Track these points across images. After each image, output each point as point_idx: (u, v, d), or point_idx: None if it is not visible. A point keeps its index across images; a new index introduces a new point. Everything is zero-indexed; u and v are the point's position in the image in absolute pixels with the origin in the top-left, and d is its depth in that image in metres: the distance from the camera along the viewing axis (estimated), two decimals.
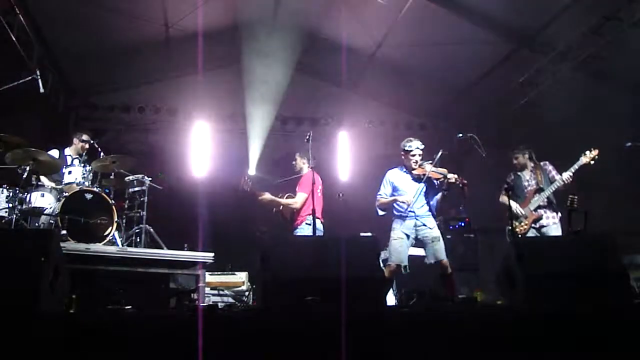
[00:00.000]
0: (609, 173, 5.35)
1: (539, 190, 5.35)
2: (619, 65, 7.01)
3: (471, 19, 7.03)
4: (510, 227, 5.41)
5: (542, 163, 5.52)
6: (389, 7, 7.16)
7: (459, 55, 8.00)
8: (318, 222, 5.53)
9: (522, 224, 5.36)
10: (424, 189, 4.96)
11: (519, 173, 5.58)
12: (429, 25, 7.39)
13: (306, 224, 5.50)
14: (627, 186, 7.32)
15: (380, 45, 8.02)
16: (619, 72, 7.25)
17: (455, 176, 4.74)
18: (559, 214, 5.30)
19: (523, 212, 5.38)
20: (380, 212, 5.12)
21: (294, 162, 5.97)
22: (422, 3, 6.98)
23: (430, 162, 4.98)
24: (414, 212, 4.93)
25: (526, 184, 5.49)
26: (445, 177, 4.81)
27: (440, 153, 4.99)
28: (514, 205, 5.44)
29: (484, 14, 6.98)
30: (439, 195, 4.91)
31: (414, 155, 4.99)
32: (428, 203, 4.98)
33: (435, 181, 4.92)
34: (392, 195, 5.06)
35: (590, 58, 6.85)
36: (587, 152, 5.08)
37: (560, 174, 5.26)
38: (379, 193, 5.16)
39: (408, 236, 4.90)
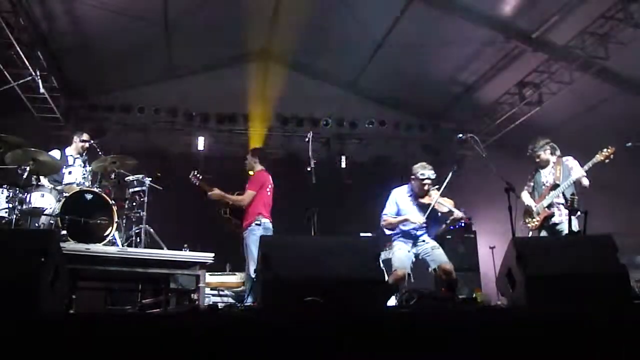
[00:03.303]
0: (609, 173, 5.32)
1: (555, 187, 5.19)
2: (619, 65, 7.02)
3: (471, 18, 7.03)
4: (523, 223, 5.41)
5: (564, 158, 5.32)
6: (389, 6, 7.17)
7: (459, 56, 8.00)
8: (267, 221, 5.55)
9: (534, 220, 5.30)
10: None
11: (540, 170, 5.44)
12: (429, 25, 7.39)
13: (256, 224, 5.47)
14: (627, 186, 7.32)
15: (381, 46, 8.01)
16: (619, 72, 7.27)
17: (462, 214, 4.67)
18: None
19: (536, 209, 5.30)
20: (387, 232, 5.01)
21: (245, 162, 6.02)
22: (423, 3, 6.98)
23: (437, 187, 4.87)
24: (415, 233, 4.88)
25: (544, 179, 5.36)
26: (450, 211, 4.72)
27: (450, 175, 4.84)
28: (529, 201, 5.41)
29: (484, 13, 6.97)
30: (442, 227, 4.87)
31: (424, 185, 4.87)
32: (427, 229, 4.91)
33: (439, 213, 4.81)
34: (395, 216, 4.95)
35: (590, 58, 6.86)
36: (603, 150, 4.89)
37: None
38: (384, 212, 5.02)
39: (409, 250, 4.86)
